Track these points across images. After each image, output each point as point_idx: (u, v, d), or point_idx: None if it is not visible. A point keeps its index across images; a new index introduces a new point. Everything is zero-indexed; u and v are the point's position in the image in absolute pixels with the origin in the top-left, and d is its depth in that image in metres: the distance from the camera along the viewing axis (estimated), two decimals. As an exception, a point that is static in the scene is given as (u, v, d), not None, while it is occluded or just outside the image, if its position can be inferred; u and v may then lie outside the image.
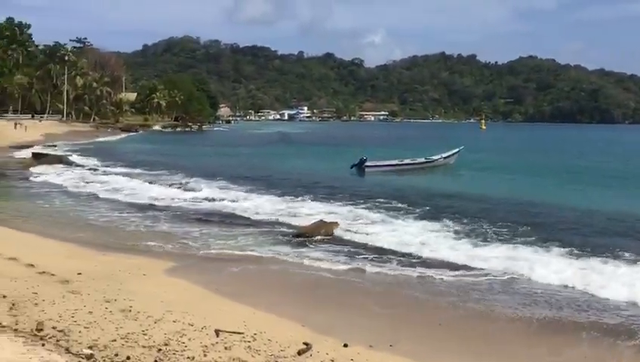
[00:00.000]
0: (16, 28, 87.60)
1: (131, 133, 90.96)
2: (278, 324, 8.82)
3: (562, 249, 14.26)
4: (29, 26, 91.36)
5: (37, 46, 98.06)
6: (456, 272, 12.55)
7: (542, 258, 13.46)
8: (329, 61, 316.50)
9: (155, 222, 18.15)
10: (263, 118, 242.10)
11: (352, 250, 14.68)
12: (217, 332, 7.98)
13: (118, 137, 79.36)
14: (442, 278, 12.20)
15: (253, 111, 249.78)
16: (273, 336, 8.05)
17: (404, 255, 14.02)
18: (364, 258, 13.81)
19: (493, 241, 15.42)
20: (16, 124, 60.87)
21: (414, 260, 13.58)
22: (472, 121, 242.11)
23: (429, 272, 12.57)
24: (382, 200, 22.50)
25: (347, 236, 16.17)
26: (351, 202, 21.99)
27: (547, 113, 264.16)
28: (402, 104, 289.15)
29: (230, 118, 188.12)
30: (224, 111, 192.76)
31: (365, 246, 14.92)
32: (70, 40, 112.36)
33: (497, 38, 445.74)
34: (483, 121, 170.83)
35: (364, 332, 8.72)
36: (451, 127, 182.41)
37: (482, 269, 12.70)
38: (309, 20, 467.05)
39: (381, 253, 14.20)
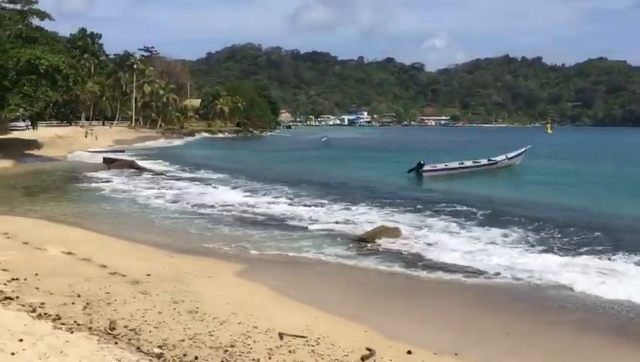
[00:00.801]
0: (89, 38, 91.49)
1: (195, 138, 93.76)
2: (340, 328, 8.83)
3: (634, 260, 13.67)
4: (100, 36, 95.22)
5: (107, 55, 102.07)
6: (523, 282, 12.20)
7: (614, 269, 12.95)
8: (389, 66, 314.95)
9: (218, 225, 18.52)
10: (323, 123, 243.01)
11: (414, 255, 14.54)
12: (281, 335, 8.07)
13: (183, 142, 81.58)
14: (507, 287, 11.92)
15: (313, 117, 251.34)
16: (336, 341, 8.07)
17: (467, 262, 13.74)
18: (427, 264, 13.66)
19: (559, 251, 14.95)
20: (87, 133, 62.46)
21: (478, 268, 13.26)
22: (537, 125, 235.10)
23: (494, 280, 12.32)
24: (443, 205, 22.27)
25: (409, 242, 16.00)
26: (411, 208, 21.83)
27: (618, 117, 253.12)
28: (464, 108, 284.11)
29: (291, 124, 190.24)
30: (285, 116, 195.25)
31: (428, 252, 14.73)
32: (138, 49, 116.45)
33: (564, 40, 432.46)
34: (549, 125, 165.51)
35: (428, 338, 8.62)
36: (515, 131, 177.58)
37: (552, 280, 12.25)
38: (369, 25, 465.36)
39: (444, 260, 13.96)
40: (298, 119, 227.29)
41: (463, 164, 38.22)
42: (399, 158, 48.36)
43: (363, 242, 15.74)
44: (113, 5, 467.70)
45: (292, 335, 8.08)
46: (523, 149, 40.84)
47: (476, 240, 16.25)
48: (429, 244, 15.70)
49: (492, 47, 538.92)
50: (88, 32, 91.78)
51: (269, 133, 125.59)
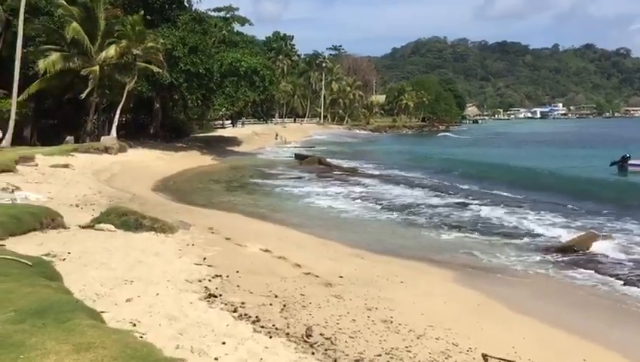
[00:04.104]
0: (282, 40, 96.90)
1: (381, 134, 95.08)
2: (552, 354, 7.80)
3: None
4: (292, 38, 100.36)
5: (299, 55, 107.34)
6: None
7: None
8: (588, 53, 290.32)
9: (406, 225, 18.10)
10: (513, 116, 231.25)
11: (633, 268, 12.70)
12: (485, 357, 7.29)
13: (370, 138, 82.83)
14: None
15: (502, 110, 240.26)
16: (552, 371, 7.08)
17: None
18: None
19: None
20: (276, 136, 66.74)
21: None
22: None
23: None
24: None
25: (624, 252, 14.10)
26: (624, 213, 19.48)
27: None
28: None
29: (478, 118, 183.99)
30: (471, 110, 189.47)
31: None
32: (327, 48, 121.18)
33: None
34: None
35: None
36: None
37: None
38: (566, 9, 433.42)
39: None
40: (485, 113, 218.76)
41: None
42: (602, 154, 43.86)
43: (570, 251, 14.16)
44: (304, 7, 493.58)
45: (498, 359, 7.25)
46: None
47: None
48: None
49: None
50: (281, 35, 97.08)
51: (456, 129, 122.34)
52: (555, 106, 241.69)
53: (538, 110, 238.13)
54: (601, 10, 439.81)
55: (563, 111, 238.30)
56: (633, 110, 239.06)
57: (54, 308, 5.08)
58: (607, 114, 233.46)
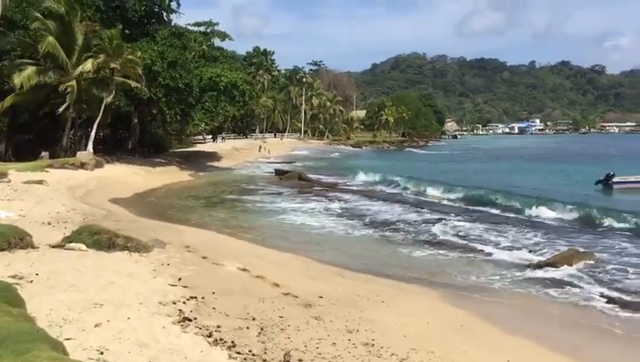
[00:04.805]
0: (263, 55, 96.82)
1: (362, 149, 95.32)
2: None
3: None
4: (272, 53, 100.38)
5: (279, 71, 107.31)
6: None
7: None
8: (564, 69, 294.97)
9: (386, 243, 17.90)
10: (491, 131, 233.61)
11: (616, 287, 12.61)
12: (469, 382, 7.07)
13: (350, 153, 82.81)
14: None
15: (480, 126, 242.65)
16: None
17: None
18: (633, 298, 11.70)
19: None
20: (260, 148, 68.40)
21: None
22: None
23: None
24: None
25: (605, 269, 14.03)
26: (606, 229, 19.48)
27: None
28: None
29: (456, 133, 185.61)
30: (450, 125, 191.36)
31: (633, 285, 12.69)
32: (307, 63, 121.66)
33: None
34: None
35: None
36: None
37: None
38: (542, 28, 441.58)
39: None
40: (464, 128, 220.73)
41: None
42: (583, 170, 44.29)
43: (551, 268, 14.03)
44: (285, 23, 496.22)
45: (482, 383, 7.04)
46: None
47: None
48: (632, 273, 13.60)
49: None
50: (262, 50, 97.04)
51: (435, 144, 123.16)
52: (532, 122, 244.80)
53: (516, 126, 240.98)
54: (577, 28, 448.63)
55: (540, 127, 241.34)
56: (608, 126, 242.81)
57: (13, 338, 4.74)
58: (584, 130, 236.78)
